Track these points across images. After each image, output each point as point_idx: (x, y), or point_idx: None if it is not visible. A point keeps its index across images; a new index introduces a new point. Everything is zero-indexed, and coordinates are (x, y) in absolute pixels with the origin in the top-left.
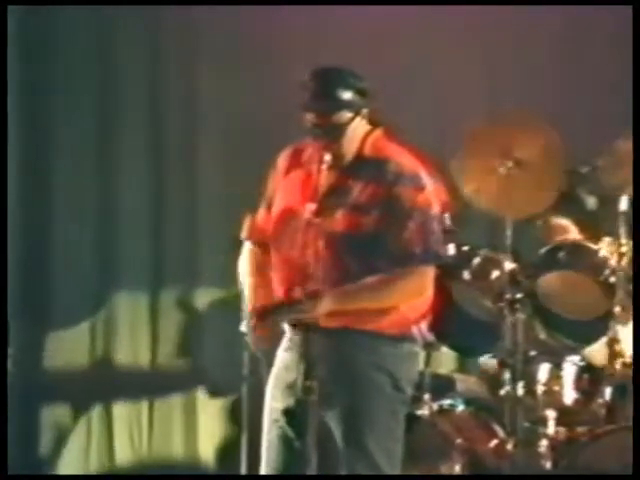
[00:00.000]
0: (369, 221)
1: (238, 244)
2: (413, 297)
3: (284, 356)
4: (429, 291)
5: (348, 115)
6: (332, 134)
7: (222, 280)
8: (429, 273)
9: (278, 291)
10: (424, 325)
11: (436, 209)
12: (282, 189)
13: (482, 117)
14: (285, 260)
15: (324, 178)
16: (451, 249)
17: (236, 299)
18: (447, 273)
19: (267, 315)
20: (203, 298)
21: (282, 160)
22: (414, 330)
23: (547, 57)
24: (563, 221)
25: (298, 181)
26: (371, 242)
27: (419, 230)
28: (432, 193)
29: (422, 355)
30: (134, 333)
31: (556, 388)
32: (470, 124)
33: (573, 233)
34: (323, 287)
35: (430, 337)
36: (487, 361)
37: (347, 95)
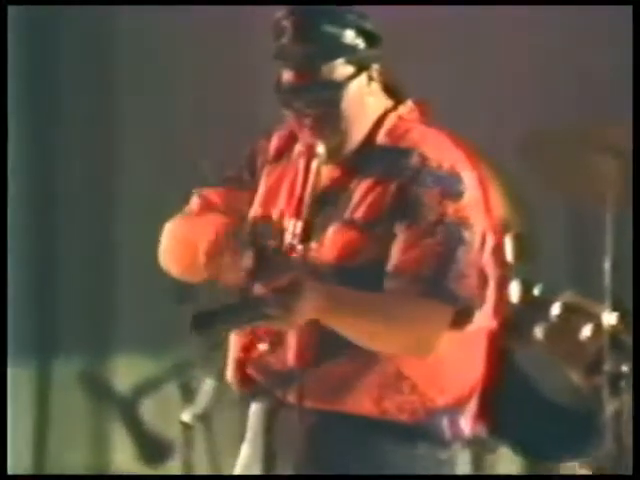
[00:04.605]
0: (371, 241)
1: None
2: (409, 351)
3: (244, 452)
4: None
5: (347, 69)
6: (322, 99)
7: (146, 346)
8: (439, 318)
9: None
10: (467, 418)
11: (475, 227)
12: (265, 183)
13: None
14: None
15: (314, 182)
16: (514, 292)
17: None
18: (508, 329)
19: (209, 321)
20: (119, 371)
21: (275, 142)
22: (444, 422)
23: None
24: None
25: (282, 181)
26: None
27: (437, 253)
28: (474, 203)
29: (465, 461)
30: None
31: None
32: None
33: None
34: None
35: (480, 431)
36: (576, 470)
37: (346, 36)
